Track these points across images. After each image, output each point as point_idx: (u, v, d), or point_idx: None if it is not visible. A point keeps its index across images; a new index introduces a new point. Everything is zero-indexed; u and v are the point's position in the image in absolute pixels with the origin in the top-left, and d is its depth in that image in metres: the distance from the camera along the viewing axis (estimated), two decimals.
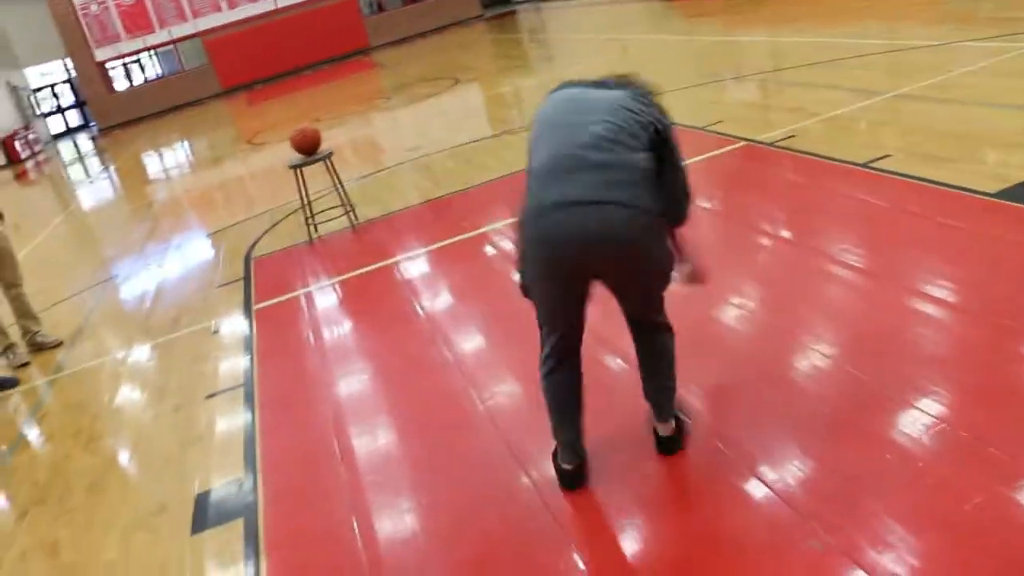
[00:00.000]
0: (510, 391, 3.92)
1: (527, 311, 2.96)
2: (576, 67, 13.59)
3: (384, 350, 4.86)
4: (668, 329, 3.00)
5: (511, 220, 6.20)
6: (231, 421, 4.39)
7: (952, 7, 11.03)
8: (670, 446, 3.09)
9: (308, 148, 6.69)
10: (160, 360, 5.63)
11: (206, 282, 6.92)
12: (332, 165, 6.91)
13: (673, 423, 3.08)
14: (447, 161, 8.83)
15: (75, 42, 26.05)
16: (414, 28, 27.54)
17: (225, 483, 3.76)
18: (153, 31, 26.23)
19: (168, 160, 17.21)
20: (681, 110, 8.26)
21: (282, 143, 13.32)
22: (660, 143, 2.76)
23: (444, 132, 11.29)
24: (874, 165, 5.72)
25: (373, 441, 3.83)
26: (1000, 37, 8.25)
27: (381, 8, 28.47)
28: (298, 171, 6.85)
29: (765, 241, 5.10)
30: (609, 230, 2.57)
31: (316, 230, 7.10)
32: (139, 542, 3.53)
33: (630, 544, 2.78)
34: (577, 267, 2.68)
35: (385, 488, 3.43)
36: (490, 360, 4.36)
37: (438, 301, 5.33)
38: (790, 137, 6.73)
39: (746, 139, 6.91)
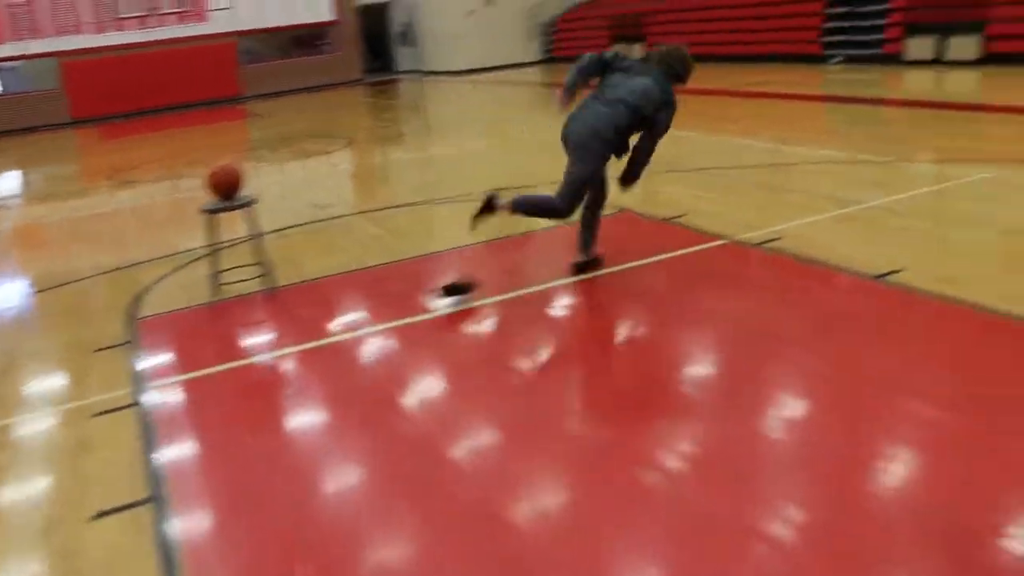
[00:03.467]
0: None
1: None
2: (463, 142, 12.76)
3: (346, 442, 3.65)
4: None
5: (466, 302, 5.18)
6: (139, 551, 3.04)
7: (894, 129, 10.94)
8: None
9: (229, 190, 5.41)
10: (18, 452, 4.12)
11: (77, 343, 5.40)
12: (253, 215, 5.64)
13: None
14: (368, 226, 7.65)
15: None
16: (291, 83, 26.18)
17: None
18: (1, 42, 23.68)
19: (4, 186, 14.90)
20: (626, 198, 7.57)
21: (154, 183, 11.74)
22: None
23: (355, 194, 10.12)
24: (890, 279, 5.07)
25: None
26: (940, 162, 8.00)
27: (259, 58, 26.95)
28: (212, 218, 5.54)
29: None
30: None
31: (220, 291, 5.76)
32: None
33: None
34: None
35: None
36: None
37: (395, 390, 4.16)
38: (775, 240, 6.02)
39: (726, 237, 6.14)
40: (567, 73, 5.37)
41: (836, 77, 16.27)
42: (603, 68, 5.35)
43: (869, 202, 6.82)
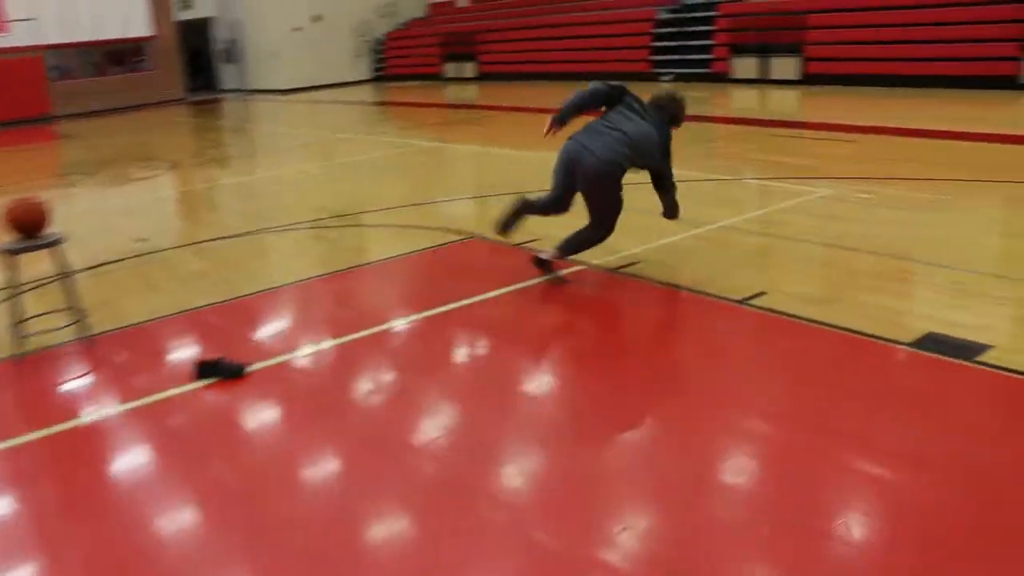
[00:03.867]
0: None
1: None
2: (293, 164, 12.17)
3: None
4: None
5: (310, 348, 4.69)
6: None
7: (720, 145, 11.10)
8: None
9: (31, 227, 4.71)
10: None
11: None
12: (61, 253, 4.94)
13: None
14: (194, 260, 6.98)
15: None
16: (108, 102, 24.52)
17: None
18: None
19: None
20: (474, 224, 7.24)
21: None
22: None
23: (179, 223, 9.32)
24: (754, 303, 4.96)
25: None
26: (782, 179, 8.13)
27: (70, 75, 25.08)
28: (13, 258, 4.79)
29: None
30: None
31: (23, 343, 5.00)
32: None
33: None
34: None
35: None
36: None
37: (225, 447, 3.63)
38: (634, 264, 5.84)
39: (581, 263, 5.91)
40: (568, 99, 5.37)
41: None
42: (608, 102, 5.44)
43: (721, 222, 6.79)
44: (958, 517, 2.90)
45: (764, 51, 16.96)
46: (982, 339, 4.29)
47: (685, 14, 19.14)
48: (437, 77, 25.51)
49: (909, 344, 4.29)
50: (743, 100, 15.50)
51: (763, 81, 16.94)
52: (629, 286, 5.51)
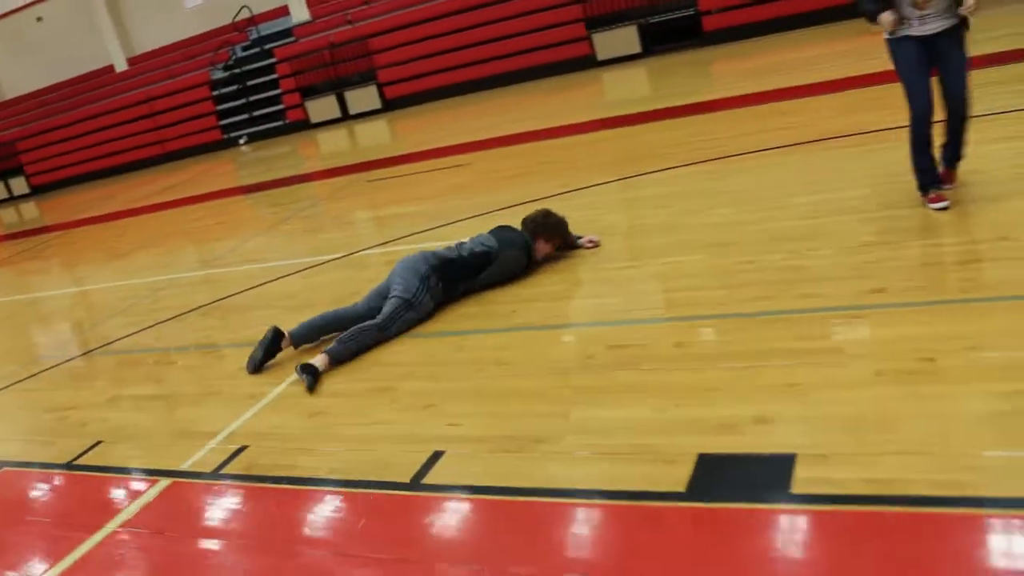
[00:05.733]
0: None
1: None
2: None
3: None
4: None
5: None
6: None
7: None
8: None
9: None
10: None
11: None
12: None
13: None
14: None
15: None
16: None
17: None
18: None
19: None
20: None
21: None
22: None
23: None
24: (429, 481, 3.10)
25: None
26: (413, 235, 6.38)
27: None
28: None
29: None
30: None
31: None
32: None
33: None
34: None
35: None
36: None
37: None
38: (240, 451, 3.74)
39: (164, 472, 3.72)
40: None
41: (251, 158, 14.51)
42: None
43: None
44: None
45: (337, 87, 15.39)
46: (773, 444, 2.76)
47: (239, 68, 17.01)
48: None
49: (685, 493, 2.64)
50: (331, 144, 13.78)
51: (346, 118, 15.39)
52: (246, 500, 3.40)
